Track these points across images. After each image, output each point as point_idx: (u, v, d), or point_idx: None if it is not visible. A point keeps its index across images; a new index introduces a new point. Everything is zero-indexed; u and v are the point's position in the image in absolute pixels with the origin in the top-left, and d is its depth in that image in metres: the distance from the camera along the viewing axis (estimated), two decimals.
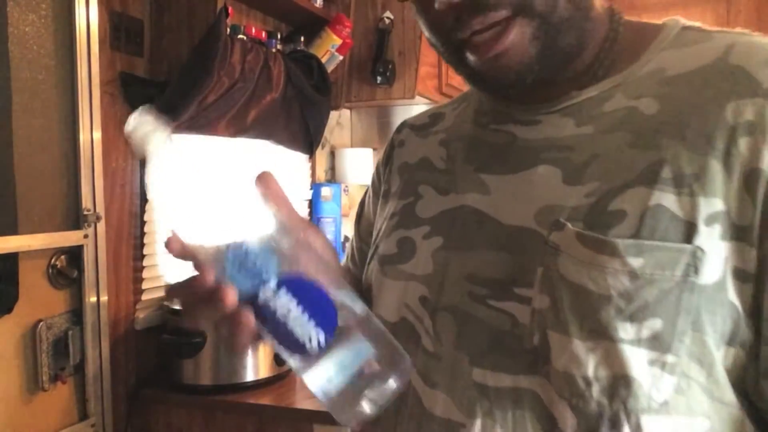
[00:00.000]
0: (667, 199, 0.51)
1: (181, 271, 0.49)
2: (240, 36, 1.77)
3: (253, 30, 1.86)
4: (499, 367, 0.55)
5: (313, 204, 2.51)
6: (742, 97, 0.51)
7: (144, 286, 1.70)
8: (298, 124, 2.10)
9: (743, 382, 0.52)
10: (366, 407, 0.47)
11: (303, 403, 1.54)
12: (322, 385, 0.48)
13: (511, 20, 0.54)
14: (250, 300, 0.46)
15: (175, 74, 1.63)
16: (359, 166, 2.63)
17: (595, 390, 0.50)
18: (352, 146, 2.84)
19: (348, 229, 2.52)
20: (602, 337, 0.50)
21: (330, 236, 2.50)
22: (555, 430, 0.52)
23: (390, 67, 2.32)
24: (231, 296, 0.46)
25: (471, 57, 0.57)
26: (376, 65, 2.32)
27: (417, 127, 0.76)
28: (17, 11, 1.32)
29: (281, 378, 1.70)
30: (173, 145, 0.48)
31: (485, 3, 0.53)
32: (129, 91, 1.61)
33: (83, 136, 1.46)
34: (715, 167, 0.50)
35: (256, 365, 1.65)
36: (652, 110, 0.55)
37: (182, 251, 0.47)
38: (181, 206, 0.47)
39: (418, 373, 0.60)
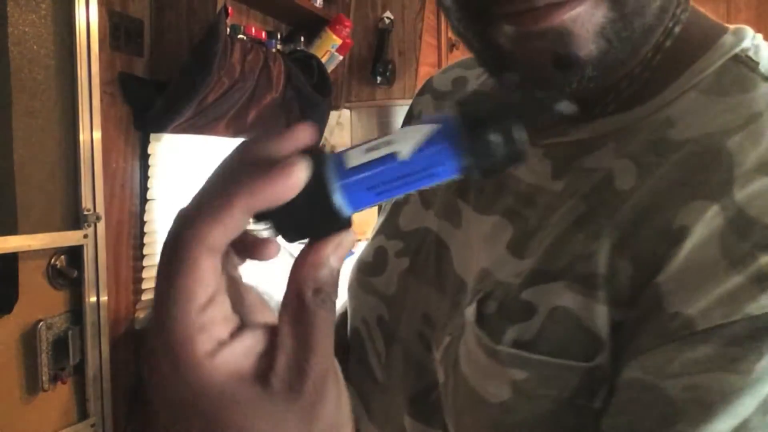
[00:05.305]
0: (574, 300, 0.41)
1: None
2: (240, 36, 1.77)
3: (253, 30, 1.86)
4: (424, 419, 0.51)
5: None
6: (703, 198, 0.39)
7: (144, 286, 1.70)
8: None
9: None
10: None
11: None
12: None
13: None
14: None
15: (175, 74, 1.63)
16: None
17: None
18: None
19: None
20: None
21: None
22: None
23: (390, 67, 2.32)
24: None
25: (508, 28, 0.40)
26: (376, 65, 2.32)
27: (438, 94, 0.65)
28: (17, 11, 1.32)
29: None
30: None
31: None
32: (129, 91, 1.61)
33: (83, 136, 1.46)
34: (627, 270, 0.40)
35: None
36: (625, 185, 0.43)
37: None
38: None
39: (360, 397, 0.57)
